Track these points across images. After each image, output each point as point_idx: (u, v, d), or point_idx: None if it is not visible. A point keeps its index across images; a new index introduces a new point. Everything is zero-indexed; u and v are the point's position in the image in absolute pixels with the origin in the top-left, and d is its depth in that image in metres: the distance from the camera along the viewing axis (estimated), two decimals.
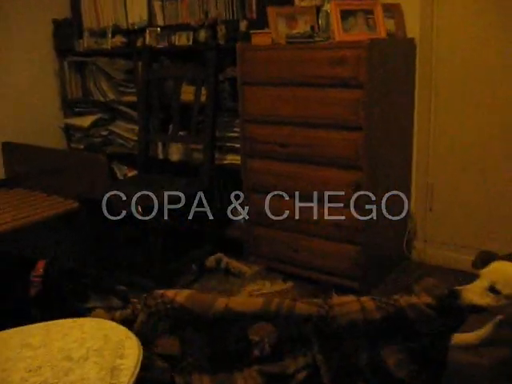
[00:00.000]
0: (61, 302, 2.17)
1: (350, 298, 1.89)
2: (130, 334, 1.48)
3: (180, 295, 1.89)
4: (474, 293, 1.82)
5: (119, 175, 3.83)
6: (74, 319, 1.58)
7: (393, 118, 2.81)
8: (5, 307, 2.06)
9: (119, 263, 3.07)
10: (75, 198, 3.06)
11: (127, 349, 1.40)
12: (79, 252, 2.99)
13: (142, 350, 1.40)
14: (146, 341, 1.71)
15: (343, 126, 2.61)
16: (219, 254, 3.07)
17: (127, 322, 1.82)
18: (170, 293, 1.90)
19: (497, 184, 2.85)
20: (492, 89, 2.77)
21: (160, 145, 3.51)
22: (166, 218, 3.41)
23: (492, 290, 1.80)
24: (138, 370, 1.32)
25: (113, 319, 1.83)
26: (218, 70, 3.09)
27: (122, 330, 1.50)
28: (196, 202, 3.12)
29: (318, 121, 2.68)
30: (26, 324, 1.63)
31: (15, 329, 1.56)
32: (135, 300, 2.04)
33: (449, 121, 2.93)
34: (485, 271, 1.86)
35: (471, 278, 1.87)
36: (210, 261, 3.06)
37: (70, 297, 2.21)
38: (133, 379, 1.29)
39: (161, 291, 1.91)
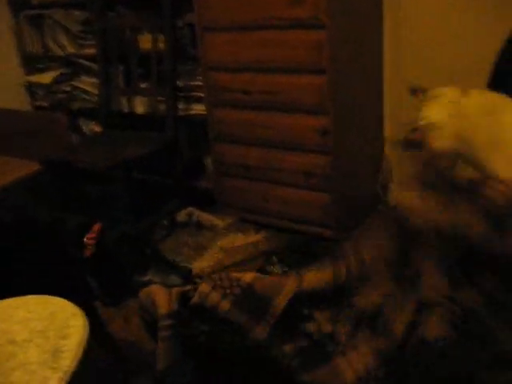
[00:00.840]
0: (117, 270, 2.10)
1: None
2: (77, 311, 1.41)
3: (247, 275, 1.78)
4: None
5: (86, 131, 3.72)
6: (21, 297, 1.52)
7: (360, 58, 2.68)
8: (59, 272, 1.98)
9: None
10: (38, 161, 2.95)
11: (71, 328, 1.34)
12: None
13: (87, 329, 1.34)
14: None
15: (307, 69, 2.49)
16: (190, 208, 3.01)
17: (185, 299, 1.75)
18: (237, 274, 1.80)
19: None
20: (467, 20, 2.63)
21: (124, 98, 3.39)
22: (132, 173, 3.34)
23: None
24: (81, 350, 1.26)
25: (170, 295, 1.76)
26: (174, 15, 2.94)
27: (69, 307, 1.43)
28: (163, 154, 3.04)
29: (281, 65, 2.56)
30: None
31: None
32: (198, 280, 1.92)
33: (422, 54, 2.80)
34: None
35: None
36: (181, 215, 2.99)
37: (128, 266, 2.14)
38: (75, 361, 1.23)
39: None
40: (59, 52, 3.63)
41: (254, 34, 2.58)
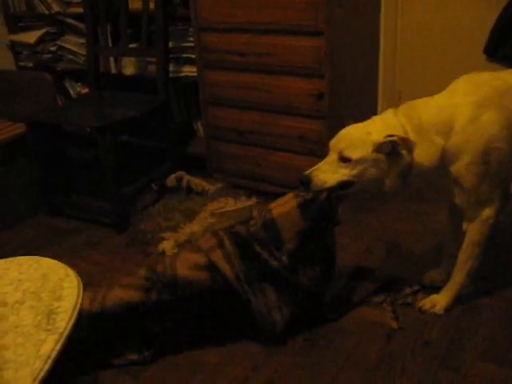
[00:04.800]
0: None
1: None
2: (70, 272, 1.37)
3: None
4: (325, 172, 1.71)
5: (72, 93, 3.62)
6: (11, 258, 1.46)
7: (357, 20, 2.62)
8: None
9: (75, 186, 2.95)
10: (23, 122, 2.86)
11: (66, 289, 1.29)
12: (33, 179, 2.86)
13: (81, 289, 1.29)
14: None
15: (303, 31, 2.43)
16: (180, 172, 2.94)
17: None
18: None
19: None
20: None
21: (112, 59, 3.29)
22: (121, 136, 3.27)
23: (343, 159, 1.69)
24: (76, 312, 1.22)
25: None
26: None
27: (62, 268, 1.39)
28: (154, 118, 2.96)
29: (277, 27, 2.49)
30: None
31: None
32: None
33: (418, 19, 2.74)
34: (332, 142, 1.74)
35: None
36: (171, 179, 2.92)
37: None
38: (70, 323, 1.18)
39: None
40: (44, 10, 3.50)
41: None
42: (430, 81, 2.79)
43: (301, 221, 1.80)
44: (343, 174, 1.70)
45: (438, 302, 1.97)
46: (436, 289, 2.02)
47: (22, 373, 1.08)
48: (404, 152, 1.66)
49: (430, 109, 1.73)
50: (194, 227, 2.62)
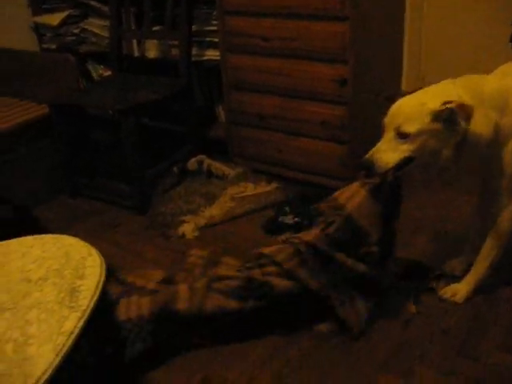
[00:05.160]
0: None
1: None
2: (93, 251, 1.38)
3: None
4: (385, 151, 1.66)
5: (95, 75, 3.63)
6: (35, 236, 1.48)
7: (382, 5, 2.59)
8: None
9: (97, 169, 2.97)
10: (47, 103, 2.87)
11: (88, 268, 1.31)
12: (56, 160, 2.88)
13: (104, 269, 1.31)
14: None
15: (328, 16, 2.40)
16: (201, 156, 2.94)
17: None
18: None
19: None
20: None
21: (135, 42, 3.29)
22: (143, 119, 3.27)
23: (401, 135, 1.63)
24: (99, 291, 1.23)
25: None
26: None
27: (84, 247, 1.40)
28: (176, 101, 2.96)
29: (302, 11, 2.47)
30: None
31: None
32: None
33: (444, 5, 2.71)
34: (386, 119, 1.68)
35: None
36: (192, 163, 2.93)
37: None
38: (93, 301, 1.20)
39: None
40: None
41: None
42: (455, 67, 2.75)
43: (377, 207, 1.76)
44: (403, 150, 1.65)
45: (459, 290, 1.95)
46: (456, 278, 2.01)
47: (44, 348, 1.10)
48: (461, 119, 1.59)
49: (490, 83, 1.67)
50: (214, 211, 2.63)
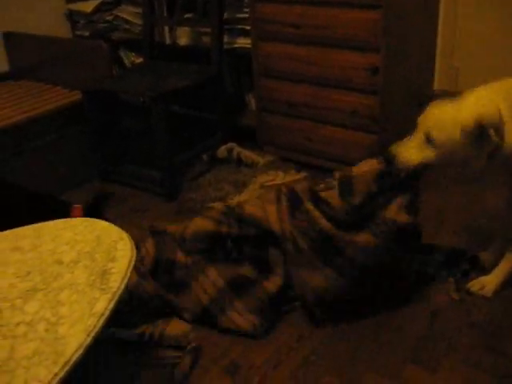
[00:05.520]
0: None
1: None
2: (124, 235, 1.39)
3: None
4: (412, 149, 1.65)
5: (126, 62, 3.66)
6: (66, 219, 1.51)
7: None
8: None
9: (127, 155, 3.00)
10: (79, 89, 2.91)
11: (119, 251, 1.32)
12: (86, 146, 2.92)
13: (134, 252, 1.32)
14: None
15: (360, 4, 2.38)
16: (231, 144, 2.95)
17: None
18: None
19: None
20: None
21: (167, 29, 3.31)
22: (174, 106, 3.29)
23: (429, 140, 1.62)
24: (129, 273, 1.25)
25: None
26: None
27: (115, 231, 1.42)
28: (206, 89, 2.97)
29: None
30: None
31: (5, 232, 1.49)
32: None
33: None
34: (420, 118, 1.66)
35: None
36: (221, 151, 2.93)
37: None
38: (123, 284, 1.22)
39: None
40: None
41: None
42: (489, 57, 2.71)
43: (373, 184, 1.77)
44: (427, 155, 1.64)
45: (488, 284, 1.93)
46: (485, 271, 1.99)
47: (76, 328, 1.12)
48: (493, 134, 1.56)
49: None
50: (243, 198, 2.63)
